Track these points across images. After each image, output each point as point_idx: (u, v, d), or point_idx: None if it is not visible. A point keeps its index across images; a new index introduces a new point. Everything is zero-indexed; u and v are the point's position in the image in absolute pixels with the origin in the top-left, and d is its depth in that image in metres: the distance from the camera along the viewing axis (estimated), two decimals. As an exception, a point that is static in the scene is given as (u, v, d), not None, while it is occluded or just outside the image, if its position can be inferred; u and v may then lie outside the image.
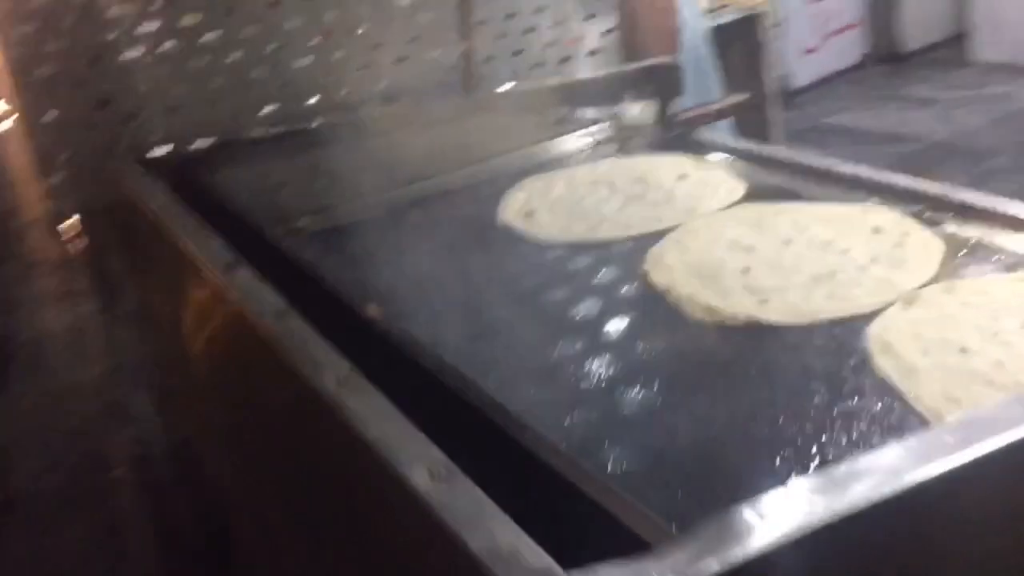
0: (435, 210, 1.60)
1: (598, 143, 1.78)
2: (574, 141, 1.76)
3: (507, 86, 1.72)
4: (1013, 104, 5.01)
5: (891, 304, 1.09)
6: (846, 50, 6.13)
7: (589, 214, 1.48)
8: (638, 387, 1.01)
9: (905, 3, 6.10)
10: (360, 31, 1.61)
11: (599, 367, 1.06)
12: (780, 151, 1.71)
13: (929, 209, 1.30)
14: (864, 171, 1.47)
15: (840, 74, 6.04)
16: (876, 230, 1.27)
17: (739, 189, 1.48)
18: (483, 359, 1.06)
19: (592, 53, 1.79)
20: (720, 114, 1.82)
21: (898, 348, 1.00)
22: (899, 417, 0.91)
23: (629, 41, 1.85)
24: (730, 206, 1.43)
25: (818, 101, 5.65)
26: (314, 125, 1.62)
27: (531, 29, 1.72)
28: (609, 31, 1.79)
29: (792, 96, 5.39)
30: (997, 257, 1.17)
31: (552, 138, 1.74)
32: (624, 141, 1.78)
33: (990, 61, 5.69)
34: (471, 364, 0.95)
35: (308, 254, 1.37)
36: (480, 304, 1.26)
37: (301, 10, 1.65)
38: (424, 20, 1.65)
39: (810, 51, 5.86)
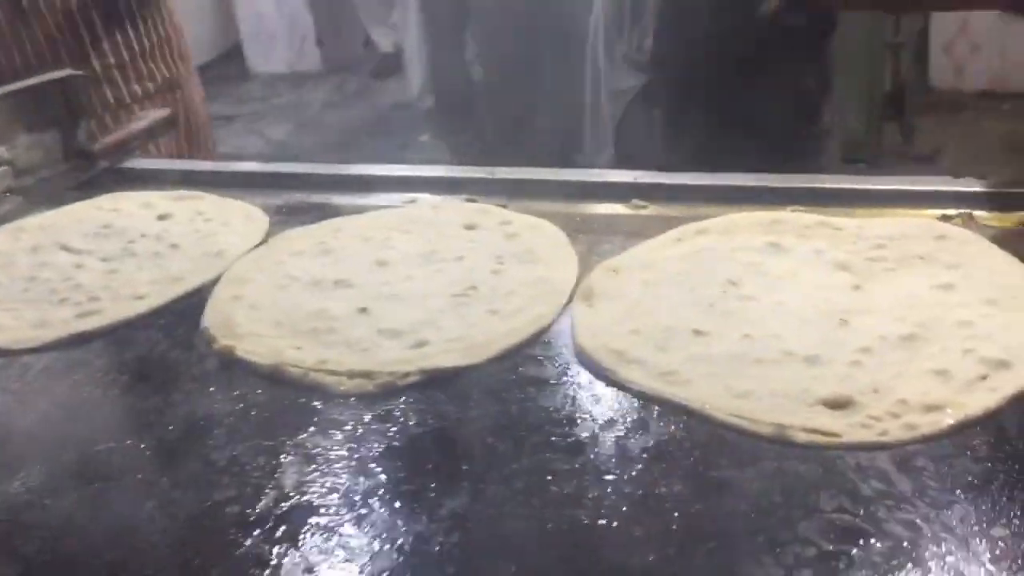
0: None
1: (-4, 198, 1.25)
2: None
3: None
4: (307, 111, 5.14)
5: (565, 305, 0.89)
6: (206, 43, 5.70)
7: (63, 293, 0.99)
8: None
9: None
10: None
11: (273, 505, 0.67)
12: (244, 165, 1.38)
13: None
14: (400, 170, 1.23)
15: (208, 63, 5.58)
16: (470, 226, 1.04)
17: (255, 216, 1.13)
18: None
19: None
20: (148, 134, 1.41)
21: (633, 352, 0.80)
22: (701, 432, 0.71)
23: None
24: (265, 241, 1.08)
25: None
26: None
27: None
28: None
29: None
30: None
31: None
32: (31, 190, 1.27)
33: (270, 72, 5.77)
34: None
35: None
36: None
37: None
38: None
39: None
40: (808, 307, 0.83)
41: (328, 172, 1.25)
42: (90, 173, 1.32)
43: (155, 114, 1.46)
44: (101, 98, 1.60)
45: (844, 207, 1.02)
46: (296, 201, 1.19)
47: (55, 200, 1.24)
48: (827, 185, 1.06)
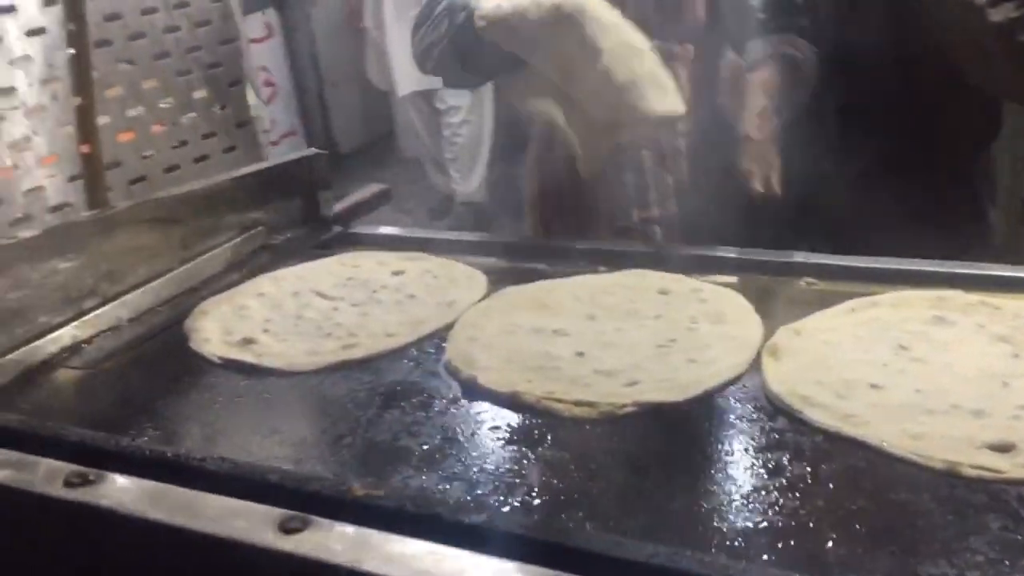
0: (94, 361, 1.19)
1: (254, 252, 1.49)
2: (229, 253, 1.45)
3: (143, 196, 1.35)
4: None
5: (753, 359, 1.04)
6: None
7: (327, 329, 1.21)
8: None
9: (335, 110, 6.37)
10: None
11: (527, 494, 0.84)
12: (452, 234, 1.60)
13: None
14: (582, 244, 1.42)
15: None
16: (663, 291, 1.21)
17: (476, 276, 1.33)
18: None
19: (228, 150, 1.50)
20: (371, 205, 1.65)
21: (818, 398, 0.94)
22: (880, 464, 0.85)
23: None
24: (487, 295, 1.27)
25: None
26: None
27: (160, 122, 1.38)
28: (242, 123, 1.52)
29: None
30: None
31: (201, 253, 1.42)
32: (281, 247, 1.51)
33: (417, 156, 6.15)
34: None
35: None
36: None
37: None
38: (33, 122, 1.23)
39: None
40: (972, 370, 0.96)
41: (528, 243, 1.44)
42: (326, 235, 1.56)
43: (374, 188, 1.70)
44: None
45: (1003, 291, 1.15)
46: (501, 266, 1.39)
47: (301, 256, 1.47)
48: (988, 272, 1.19)
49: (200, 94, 1.44)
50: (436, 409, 1.02)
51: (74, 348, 1.21)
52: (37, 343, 1.18)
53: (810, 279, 1.25)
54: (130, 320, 1.29)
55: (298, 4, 5.82)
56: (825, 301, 1.16)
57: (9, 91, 1.20)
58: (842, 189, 1.47)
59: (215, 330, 1.22)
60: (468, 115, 4.80)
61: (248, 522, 0.77)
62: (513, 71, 1.33)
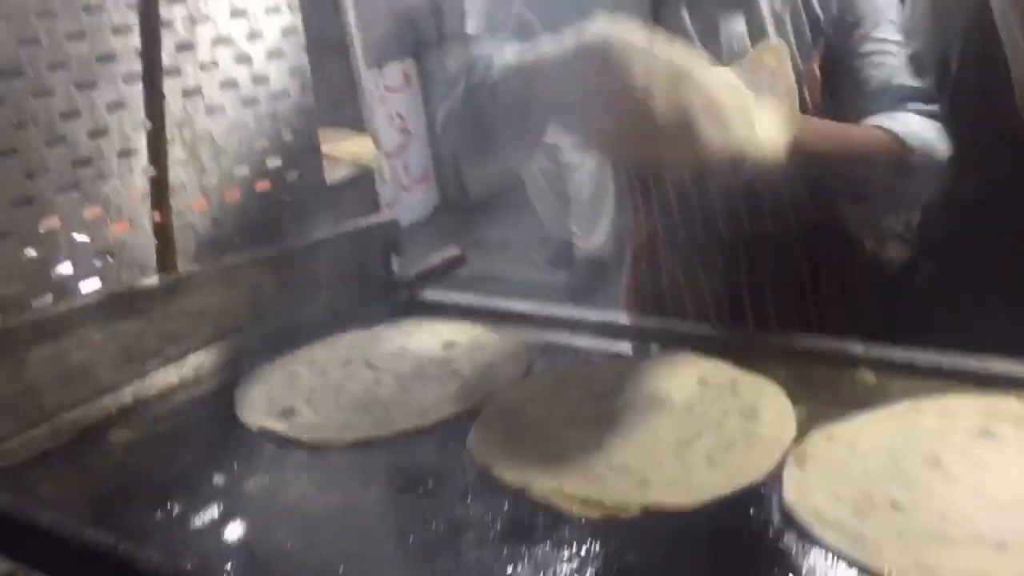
0: (148, 424, 1.24)
1: (321, 316, 1.53)
2: (295, 317, 1.49)
3: (212, 261, 1.42)
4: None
5: (777, 463, 0.99)
6: (420, 202, 6.35)
7: (366, 403, 1.23)
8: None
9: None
10: (17, 204, 1.22)
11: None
12: (517, 304, 1.60)
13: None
14: (621, 317, 1.40)
15: (417, 224, 6.21)
16: (702, 381, 1.18)
17: (521, 353, 1.32)
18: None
19: (300, 215, 1.55)
20: (443, 271, 1.68)
21: (830, 514, 0.89)
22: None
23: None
24: (529, 374, 1.26)
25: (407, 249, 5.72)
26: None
27: (227, 186, 1.44)
28: (316, 189, 1.57)
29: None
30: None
31: (266, 318, 1.46)
32: (349, 311, 1.55)
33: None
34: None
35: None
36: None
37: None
38: (108, 189, 1.31)
39: (389, 205, 5.97)
40: (1007, 494, 0.89)
41: (574, 316, 1.43)
42: (396, 299, 1.58)
43: (449, 252, 1.72)
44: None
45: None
46: (546, 341, 1.38)
47: (367, 321, 1.49)
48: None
49: (275, 162, 1.50)
50: (447, 495, 1.02)
51: (130, 409, 1.27)
52: (95, 402, 1.25)
53: (866, 370, 1.19)
54: (190, 382, 1.34)
55: (435, 54, 5.98)
56: (877, 398, 1.11)
57: (86, 161, 1.27)
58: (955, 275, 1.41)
59: (262, 397, 1.27)
60: (591, 172, 4.80)
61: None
62: (528, 134, 1.19)
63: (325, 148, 3.60)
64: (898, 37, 1.33)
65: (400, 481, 1.06)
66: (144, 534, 0.97)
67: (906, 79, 1.31)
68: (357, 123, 3.84)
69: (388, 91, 5.86)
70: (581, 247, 4.92)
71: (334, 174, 3.46)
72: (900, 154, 1.26)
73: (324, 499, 1.05)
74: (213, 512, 1.03)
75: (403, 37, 5.83)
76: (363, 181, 3.66)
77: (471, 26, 4.26)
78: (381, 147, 3.77)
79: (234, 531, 1.01)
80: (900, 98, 1.31)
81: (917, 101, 1.31)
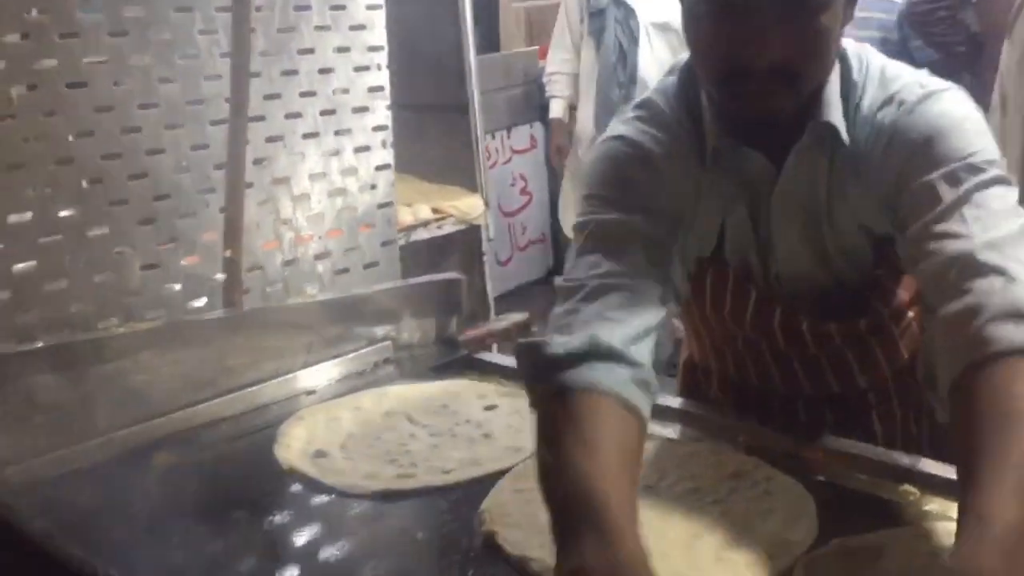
0: (191, 451, 1.29)
1: (376, 365, 1.56)
2: (350, 363, 1.53)
3: (278, 301, 1.47)
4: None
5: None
6: (535, 262, 6.40)
7: (395, 455, 1.24)
8: None
9: (587, 221, 6.55)
10: (97, 230, 1.30)
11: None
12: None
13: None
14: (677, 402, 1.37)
15: (530, 284, 6.26)
16: (736, 475, 1.15)
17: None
18: None
19: (369, 265, 1.60)
20: (505, 334, 1.69)
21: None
22: None
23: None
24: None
25: (515, 310, 5.77)
26: (34, 347, 1.27)
27: (301, 231, 1.50)
28: (387, 242, 1.61)
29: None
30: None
31: (326, 360, 1.50)
32: (404, 363, 1.57)
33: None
34: None
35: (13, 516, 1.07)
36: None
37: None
38: (182, 224, 1.38)
39: (504, 263, 6.04)
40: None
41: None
42: (450, 357, 1.60)
43: (515, 317, 1.73)
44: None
45: None
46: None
47: (418, 375, 1.52)
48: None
49: (350, 212, 1.55)
50: (453, 559, 1.02)
51: (177, 435, 1.32)
52: (146, 424, 1.30)
53: (909, 487, 1.14)
54: (239, 415, 1.38)
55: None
56: (904, 516, 1.05)
57: (165, 196, 1.34)
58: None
59: (301, 437, 1.30)
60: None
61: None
62: None
63: (436, 203, 3.69)
64: None
65: (412, 540, 1.07)
66: (145, 556, 1.00)
67: None
68: (471, 183, 3.93)
69: (515, 153, 5.97)
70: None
71: (440, 228, 3.54)
72: None
73: (331, 545, 1.06)
74: (220, 545, 1.06)
75: (532, 103, 5.95)
76: (470, 237, 3.73)
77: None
78: (492, 206, 3.83)
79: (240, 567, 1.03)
80: None
81: None
